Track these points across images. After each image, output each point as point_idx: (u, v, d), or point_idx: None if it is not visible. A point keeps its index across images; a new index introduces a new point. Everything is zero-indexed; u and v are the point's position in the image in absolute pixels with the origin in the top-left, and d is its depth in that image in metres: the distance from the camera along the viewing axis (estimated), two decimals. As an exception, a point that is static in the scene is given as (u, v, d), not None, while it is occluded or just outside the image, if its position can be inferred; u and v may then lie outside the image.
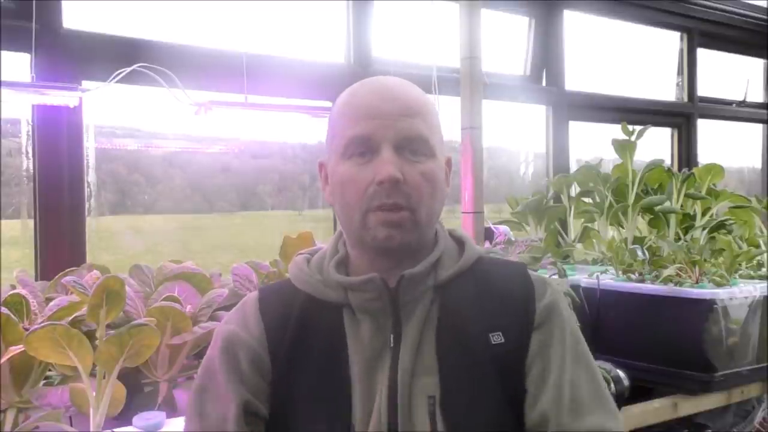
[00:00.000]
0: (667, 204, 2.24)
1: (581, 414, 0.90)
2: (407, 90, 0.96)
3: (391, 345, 0.93)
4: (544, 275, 1.47)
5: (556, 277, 1.95)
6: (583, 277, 1.96)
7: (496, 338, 0.93)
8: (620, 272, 1.96)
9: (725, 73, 4.36)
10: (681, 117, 4.04)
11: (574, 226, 2.50)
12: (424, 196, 0.92)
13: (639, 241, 2.18)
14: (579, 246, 2.39)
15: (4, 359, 1.33)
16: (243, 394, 0.93)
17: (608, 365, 1.64)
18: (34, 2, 2.01)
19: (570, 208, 2.47)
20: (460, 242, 1.03)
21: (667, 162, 3.69)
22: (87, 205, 2.20)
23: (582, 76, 3.56)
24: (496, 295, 0.97)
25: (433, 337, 0.93)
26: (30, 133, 2.11)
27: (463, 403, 0.90)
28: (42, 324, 1.29)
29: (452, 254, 1.00)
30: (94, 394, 1.33)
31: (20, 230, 2.18)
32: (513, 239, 2.32)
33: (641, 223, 2.34)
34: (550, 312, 0.96)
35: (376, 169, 0.90)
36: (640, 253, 1.99)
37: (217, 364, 0.96)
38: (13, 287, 1.63)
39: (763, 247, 2.19)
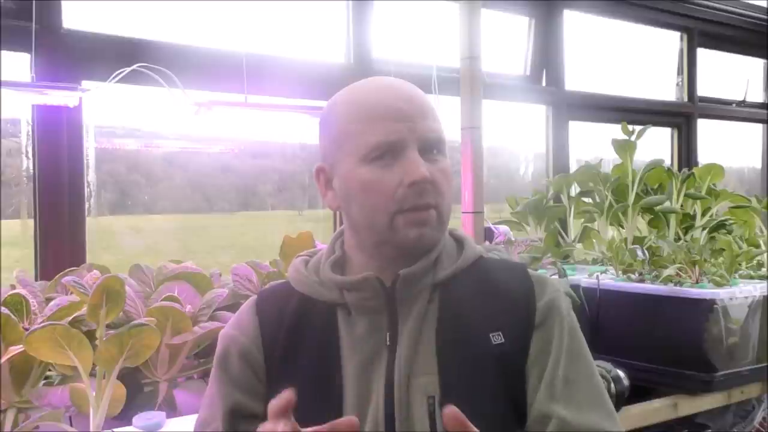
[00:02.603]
0: (667, 204, 2.24)
1: (578, 410, 0.90)
2: (416, 90, 0.96)
3: (388, 344, 0.93)
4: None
5: (556, 277, 1.95)
6: (583, 277, 1.96)
7: (497, 338, 0.92)
8: (620, 272, 1.96)
9: (725, 73, 4.36)
10: (681, 117, 4.04)
11: (574, 226, 2.50)
12: (446, 193, 0.94)
13: (639, 241, 2.18)
14: (579, 246, 2.39)
15: (4, 359, 1.33)
16: (233, 399, 0.95)
17: (608, 365, 1.64)
18: (34, 2, 2.01)
19: (570, 208, 2.47)
20: (459, 241, 1.03)
21: (667, 162, 3.68)
22: (87, 205, 2.19)
23: (582, 76, 3.55)
24: (496, 295, 0.96)
25: (433, 336, 0.93)
26: (30, 133, 2.11)
27: (464, 403, 0.89)
28: (42, 324, 1.29)
29: (451, 253, 1.00)
30: (94, 394, 1.33)
31: (20, 230, 2.18)
32: (513, 239, 2.33)
33: (641, 223, 2.34)
34: (549, 310, 0.95)
35: (405, 171, 0.90)
36: (640, 253, 1.99)
37: (213, 370, 0.99)
38: (13, 287, 1.63)
39: (763, 247, 2.18)
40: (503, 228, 2.49)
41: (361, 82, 0.98)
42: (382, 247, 0.95)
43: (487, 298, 0.96)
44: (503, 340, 0.92)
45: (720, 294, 1.70)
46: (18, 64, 2.05)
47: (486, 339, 0.92)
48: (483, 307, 0.95)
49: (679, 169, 2.48)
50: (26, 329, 1.34)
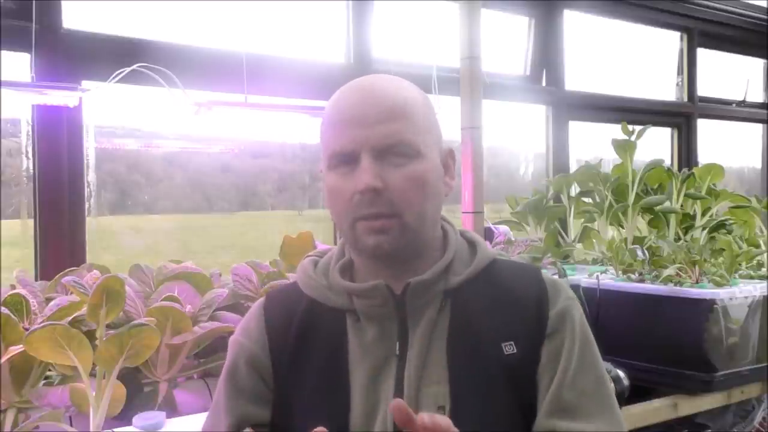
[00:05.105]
0: (667, 204, 2.24)
1: (582, 420, 0.89)
2: (389, 91, 0.92)
3: (397, 353, 0.92)
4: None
5: (556, 277, 1.95)
6: (583, 277, 1.96)
7: (509, 348, 0.91)
8: (620, 272, 1.96)
9: (725, 73, 4.36)
10: (681, 117, 4.04)
11: (574, 226, 2.50)
12: (411, 199, 0.89)
13: (639, 241, 2.18)
14: (579, 246, 2.39)
15: (4, 359, 1.33)
16: (240, 410, 0.94)
17: (608, 365, 1.64)
18: (34, 2, 2.01)
19: (570, 208, 2.47)
20: (471, 244, 1.01)
21: (667, 162, 3.68)
22: (87, 205, 2.19)
23: (582, 76, 3.56)
24: (508, 302, 0.94)
25: (444, 345, 0.92)
26: (30, 133, 2.11)
27: (475, 414, 0.88)
28: (42, 324, 1.29)
29: (464, 258, 0.98)
30: (94, 394, 1.33)
31: (20, 230, 2.18)
32: (513, 239, 2.33)
33: (641, 223, 2.34)
34: (562, 319, 0.94)
35: (355, 179, 0.89)
36: (640, 253, 1.99)
37: (221, 379, 0.99)
38: (13, 287, 1.63)
39: (763, 247, 2.18)
40: (503, 228, 2.49)
41: (345, 86, 0.97)
42: (354, 251, 0.96)
43: (500, 305, 0.94)
44: (515, 350, 0.91)
45: (720, 294, 1.70)
46: (18, 64, 2.05)
47: (498, 348, 0.91)
48: (495, 315, 0.93)
49: (679, 169, 2.48)
50: (26, 329, 1.34)
